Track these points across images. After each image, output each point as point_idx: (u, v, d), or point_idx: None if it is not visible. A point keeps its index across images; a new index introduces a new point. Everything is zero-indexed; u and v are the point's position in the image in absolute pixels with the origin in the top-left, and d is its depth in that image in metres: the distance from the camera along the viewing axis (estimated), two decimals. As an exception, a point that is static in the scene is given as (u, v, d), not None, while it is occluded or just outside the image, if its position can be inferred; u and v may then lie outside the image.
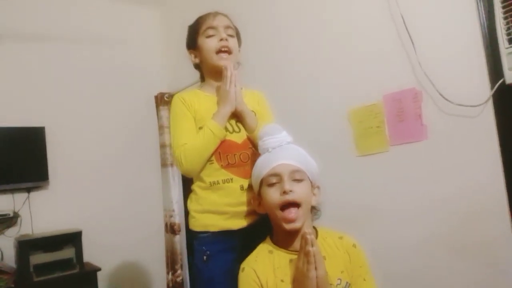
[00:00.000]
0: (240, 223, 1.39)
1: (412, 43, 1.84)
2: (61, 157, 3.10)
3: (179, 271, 3.44)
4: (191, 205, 1.47)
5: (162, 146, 3.57)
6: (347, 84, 2.17)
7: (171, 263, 3.46)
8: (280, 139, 1.30)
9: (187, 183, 3.60)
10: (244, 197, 1.40)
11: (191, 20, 1.59)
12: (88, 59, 3.37)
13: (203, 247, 1.39)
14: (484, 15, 1.64)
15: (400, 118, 1.95)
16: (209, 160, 1.41)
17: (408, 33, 1.85)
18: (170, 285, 3.44)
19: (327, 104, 2.27)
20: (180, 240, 3.49)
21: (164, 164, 3.57)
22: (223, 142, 1.41)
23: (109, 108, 3.41)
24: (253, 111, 1.49)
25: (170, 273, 3.45)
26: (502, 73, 1.57)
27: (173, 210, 3.49)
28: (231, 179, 1.41)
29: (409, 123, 1.92)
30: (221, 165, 1.41)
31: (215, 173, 1.41)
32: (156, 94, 3.63)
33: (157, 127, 3.61)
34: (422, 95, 1.86)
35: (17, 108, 2.99)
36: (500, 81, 1.58)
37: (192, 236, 1.45)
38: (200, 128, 1.42)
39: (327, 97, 2.28)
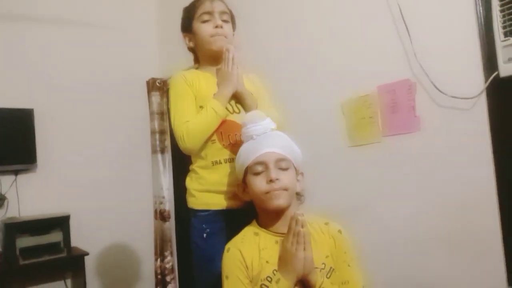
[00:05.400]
0: (240, 202, 1.41)
1: (409, 33, 1.84)
2: (50, 140, 3.06)
3: (169, 258, 3.43)
4: (191, 184, 1.49)
5: (153, 132, 3.53)
6: (341, 74, 2.16)
7: (160, 249, 3.45)
8: (264, 126, 1.29)
9: (179, 170, 3.59)
10: None
11: (186, 5, 1.57)
12: (80, 42, 3.30)
13: (203, 225, 1.43)
14: (481, 8, 1.63)
15: (393, 109, 1.95)
16: (211, 139, 1.43)
17: (405, 23, 1.85)
18: (158, 271, 3.44)
19: (321, 94, 2.26)
20: (170, 227, 3.49)
21: (154, 151, 3.53)
22: (224, 122, 1.43)
23: (100, 92, 3.36)
24: (251, 92, 1.51)
25: (159, 260, 3.44)
26: (496, 66, 1.57)
27: (163, 197, 3.47)
28: (233, 159, 1.43)
29: (402, 114, 1.92)
30: (223, 145, 1.44)
31: (218, 152, 1.44)
32: (147, 79, 3.59)
33: (148, 113, 3.57)
34: (416, 86, 1.86)
35: (6, 89, 2.93)
36: (494, 74, 1.59)
37: (190, 214, 1.48)
38: (201, 107, 1.43)
39: (321, 87, 2.27)
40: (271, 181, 1.20)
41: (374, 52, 2.01)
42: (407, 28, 1.84)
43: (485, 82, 1.62)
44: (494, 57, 1.58)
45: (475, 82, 1.65)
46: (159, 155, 3.51)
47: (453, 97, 1.71)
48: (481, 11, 1.63)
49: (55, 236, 2.80)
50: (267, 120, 1.31)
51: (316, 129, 2.24)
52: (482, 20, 1.63)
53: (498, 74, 1.57)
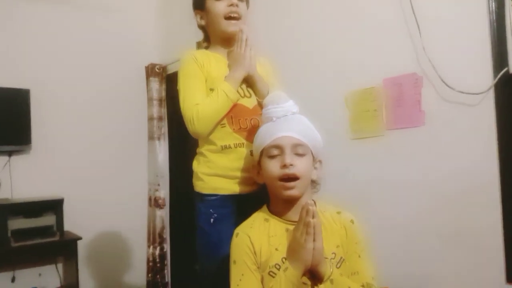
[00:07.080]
0: (249, 188, 1.40)
1: (418, 27, 1.82)
2: (45, 122, 3.01)
3: (162, 245, 3.41)
4: (199, 168, 1.44)
5: (150, 118, 3.50)
6: (347, 66, 2.14)
7: (153, 237, 3.42)
8: (285, 109, 1.26)
9: (175, 157, 3.54)
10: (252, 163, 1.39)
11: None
12: (79, 24, 3.25)
13: (210, 210, 1.39)
14: (493, 3, 1.62)
15: (398, 103, 1.94)
16: (221, 123, 1.39)
17: (415, 17, 1.82)
18: (151, 258, 3.41)
19: (326, 85, 2.23)
20: (164, 215, 3.46)
21: (151, 137, 3.50)
22: (235, 106, 1.39)
23: (97, 76, 3.31)
24: (262, 77, 1.47)
25: (151, 247, 3.42)
26: (506, 62, 1.56)
27: (158, 184, 3.44)
28: (243, 144, 1.41)
29: (408, 108, 1.90)
30: (233, 129, 1.40)
31: (227, 136, 1.40)
32: (146, 64, 3.53)
33: (146, 99, 3.53)
34: (422, 80, 1.84)
35: (3, 69, 2.88)
36: (504, 70, 1.58)
37: (196, 199, 1.44)
38: (211, 89, 1.39)
39: (326, 79, 2.24)
40: (285, 166, 1.17)
41: (382, 45, 1.99)
42: (417, 22, 1.82)
43: (494, 78, 1.61)
44: (505, 53, 1.57)
45: (484, 78, 1.64)
46: (156, 142, 3.48)
47: (460, 92, 1.70)
48: (493, 6, 1.61)
49: (48, 220, 2.77)
50: (290, 102, 1.28)
51: (318, 120, 2.21)
52: (494, 15, 1.61)
53: (507, 71, 1.56)
